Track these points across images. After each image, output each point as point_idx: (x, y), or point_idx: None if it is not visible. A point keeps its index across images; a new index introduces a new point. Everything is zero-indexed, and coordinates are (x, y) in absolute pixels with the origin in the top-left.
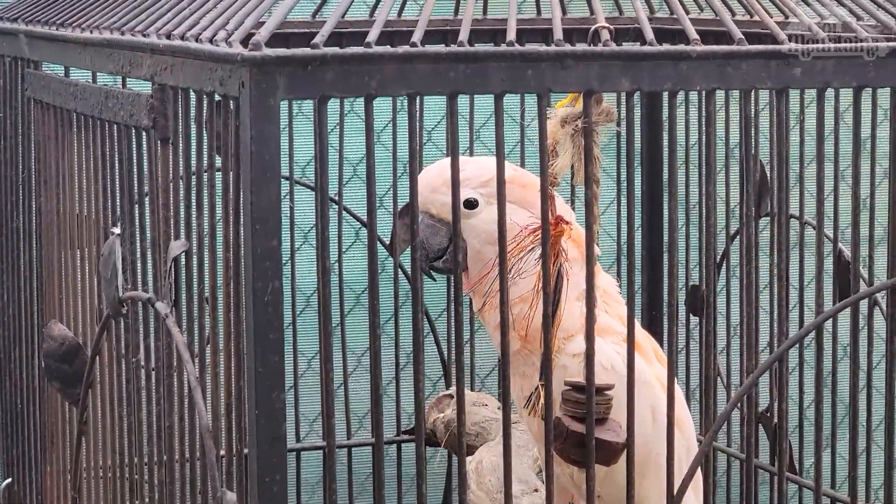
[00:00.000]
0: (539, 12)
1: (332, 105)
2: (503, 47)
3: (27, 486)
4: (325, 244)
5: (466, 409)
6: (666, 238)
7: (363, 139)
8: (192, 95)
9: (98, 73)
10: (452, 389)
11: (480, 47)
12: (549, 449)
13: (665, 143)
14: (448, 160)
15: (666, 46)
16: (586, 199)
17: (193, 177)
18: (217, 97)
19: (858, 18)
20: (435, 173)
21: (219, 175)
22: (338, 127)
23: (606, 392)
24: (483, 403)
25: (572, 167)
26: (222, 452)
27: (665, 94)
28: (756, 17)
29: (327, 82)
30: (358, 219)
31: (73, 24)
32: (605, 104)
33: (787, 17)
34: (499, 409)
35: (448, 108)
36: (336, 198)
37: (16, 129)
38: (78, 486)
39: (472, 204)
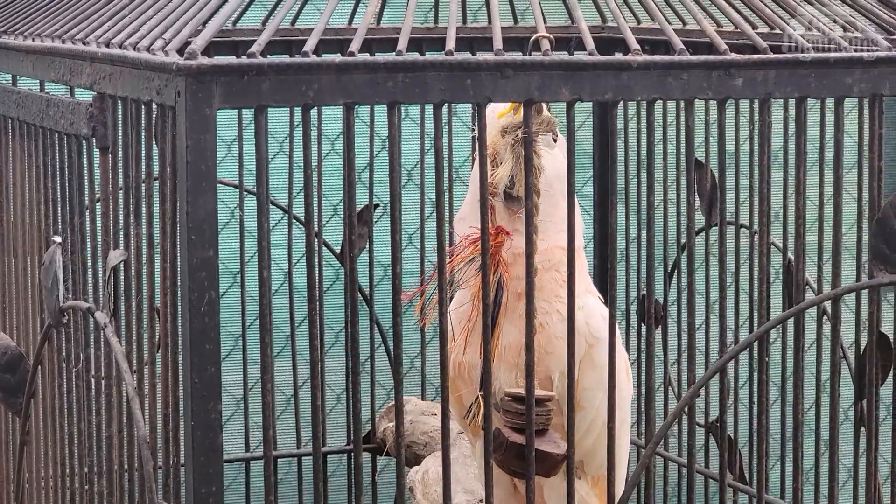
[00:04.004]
0: (490, 22)
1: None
2: (441, 56)
3: None
4: (261, 254)
5: (416, 419)
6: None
7: (315, 147)
8: (131, 105)
9: (49, 82)
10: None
11: (419, 56)
12: (488, 460)
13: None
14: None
15: (606, 56)
16: (526, 210)
17: (133, 186)
18: (154, 106)
19: (808, 29)
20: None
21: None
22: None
23: (547, 403)
24: (433, 413)
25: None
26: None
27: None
28: (697, 27)
29: (264, 92)
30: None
31: (17, 32)
32: (546, 114)
33: (736, 28)
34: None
35: (388, 118)
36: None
37: None
38: (20, 496)
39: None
